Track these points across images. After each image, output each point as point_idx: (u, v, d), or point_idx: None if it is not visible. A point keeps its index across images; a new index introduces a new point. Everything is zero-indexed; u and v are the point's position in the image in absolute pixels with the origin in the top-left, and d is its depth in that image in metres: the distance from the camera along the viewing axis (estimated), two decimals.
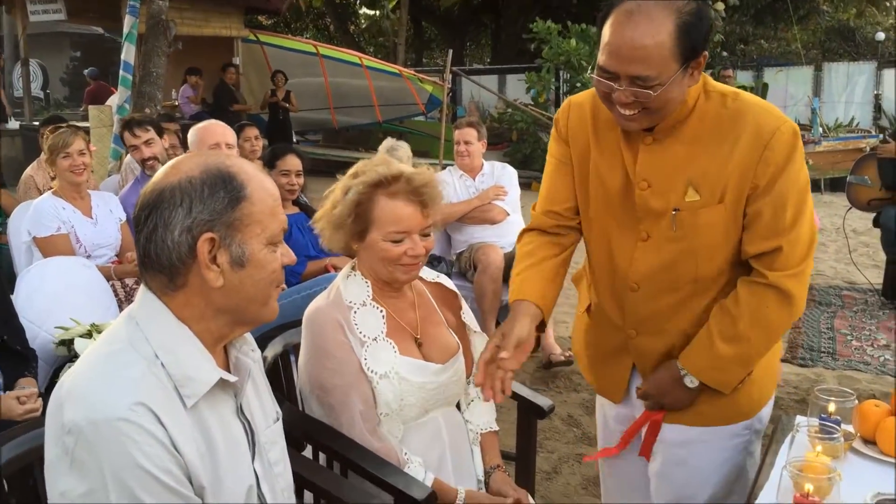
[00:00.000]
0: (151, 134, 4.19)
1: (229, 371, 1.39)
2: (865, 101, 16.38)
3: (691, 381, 1.82)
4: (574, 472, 3.45)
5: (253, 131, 5.13)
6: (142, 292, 1.33)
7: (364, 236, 1.92)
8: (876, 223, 5.97)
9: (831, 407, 1.74)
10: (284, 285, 3.70)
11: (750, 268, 1.77)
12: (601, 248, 1.92)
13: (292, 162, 4.05)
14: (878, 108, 16.03)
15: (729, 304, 1.77)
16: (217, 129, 3.55)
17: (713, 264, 1.78)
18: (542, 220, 1.98)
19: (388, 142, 5.19)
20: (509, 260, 4.84)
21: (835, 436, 1.57)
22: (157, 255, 1.27)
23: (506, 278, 4.90)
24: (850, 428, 1.77)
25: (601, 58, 1.66)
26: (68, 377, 1.27)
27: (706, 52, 1.66)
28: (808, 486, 1.40)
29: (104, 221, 3.97)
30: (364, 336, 1.91)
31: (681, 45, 1.60)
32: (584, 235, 1.98)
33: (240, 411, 1.40)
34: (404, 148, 5.12)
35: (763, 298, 1.73)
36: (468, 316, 2.16)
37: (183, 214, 1.26)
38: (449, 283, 2.15)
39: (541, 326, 1.86)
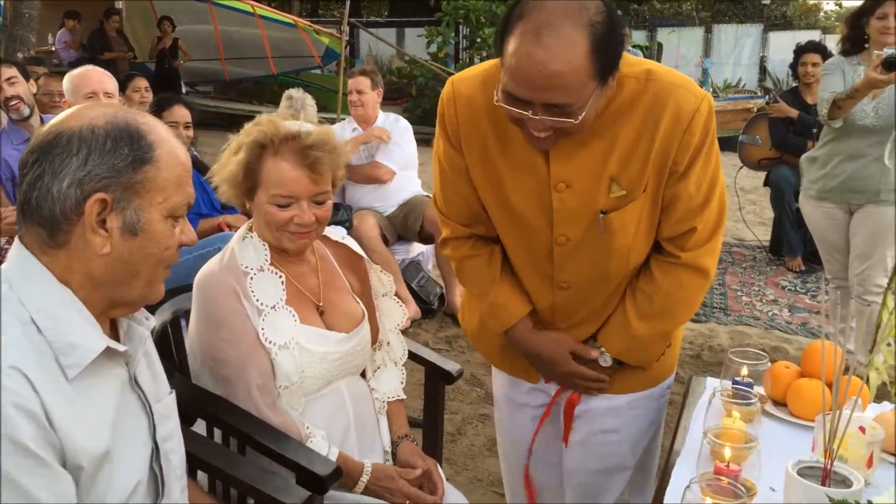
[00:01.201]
0: (14, 72, 3.82)
1: (119, 339, 1.25)
2: (752, 62, 16.94)
3: (605, 361, 1.79)
4: (478, 434, 3.41)
5: (142, 82, 4.83)
6: (16, 248, 1.18)
7: (252, 196, 1.79)
8: (767, 183, 6.15)
9: (744, 370, 1.72)
10: None
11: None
12: (518, 251, 1.78)
13: (180, 113, 3.81)
14: (763, 70, 16.61)
15: (643, 285, 1.72)
16: (94, 76, 3.27)
17: (643, 254, 1.72)
18: (454, 228, 1.82)
19: (291, 92, 4.92)
20: (396, 222, 4.75)
21: (751, 401, 1.54)
22: (39, 204, 1.14)
23: (397, 239, 4.82)
24: (762, 390, 1.77)
25: (508, 83, 1.43)
26: None
27: (620, 60, 1.49)
28: (728, 454, 1.36)
29: None
30: (261, 304, 1.77)
31: (598, 62, 1.41)
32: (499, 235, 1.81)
33: (133, 382, 1.27)
34: (308, 100, 4.88)
35: (678, 277, 1.69)
36: (375, 278, 2.03)
37: (76, 165, 1.13)
38: (354, 246, 2.02)
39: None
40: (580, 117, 1.44)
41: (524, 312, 1.80)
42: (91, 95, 3.17)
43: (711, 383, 1.90)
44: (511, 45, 1.41)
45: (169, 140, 1.21)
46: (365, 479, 1.79)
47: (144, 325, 1.32)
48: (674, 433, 1.70)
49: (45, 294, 1.15)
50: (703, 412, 1.69)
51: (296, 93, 5.00)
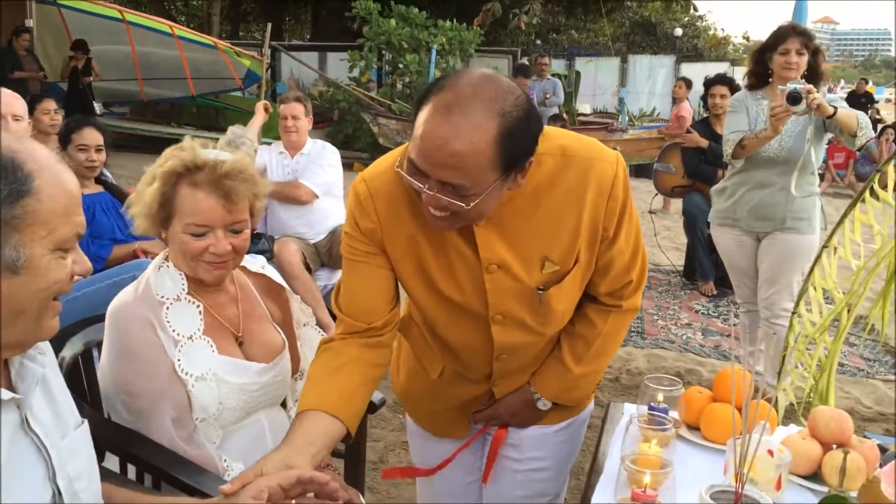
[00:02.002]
0: None
1: (10, 380, 1.18)
2: (665, 91, 17.51)
3: (544, 405, 1.82)
4: (401, 461, 3.39)
5: (51, 104, 4.64)
6: None
7: (167, 225, 1.75)
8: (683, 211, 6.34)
9: (660, 396, 1.76)
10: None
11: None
12: (453, 333, 1.73)
13: (91, 136, 3.69)
14: (675, 100, 17.17)
15: (582, 330, 1.76)
16: (2, 99, 3.15)
17: (573, 313, 1.76)
18: (356, 326, 1.66)
19: (232, 132, 4.79)
20: (321, 249, 4.71)
21: (667, 427, 1.58)
22: None
23: (320, 266, 4.78)
24: (676, 415, 1.81)
25: (412, 150, 1.41)
26: None
27: (532, 159, 1.45)
28: (646, 479, 1.39)
29: None
30: (178, 334, 1.73)
31: (504, 153, 1.37)
32: (418, 319, 1.78)
33: (26, 425, 1.19)
34: (250, 132, 4.80)
35: (617, 321, 1.79)
36: (297, 308, 2.01)
37: None
38: (275, 276, 2.00)
39: (346, 437, 1.60)
40: (473, 203, 1.40)
41: (320, 405, 1.57)
42: None
43: (629, 409, 1.94)
44: (422, 115, 1.39)
45: (50, 167, 1.14)
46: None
47: (38, 363, 1.25)
48: (593, 458, 1.73)
49: None
50: (620, 438, 1.73)
51: (237, 130, 4.89)
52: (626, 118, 13.28)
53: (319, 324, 2.08)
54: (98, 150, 3.65)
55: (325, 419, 1.55)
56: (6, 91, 3.19)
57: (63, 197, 1.14)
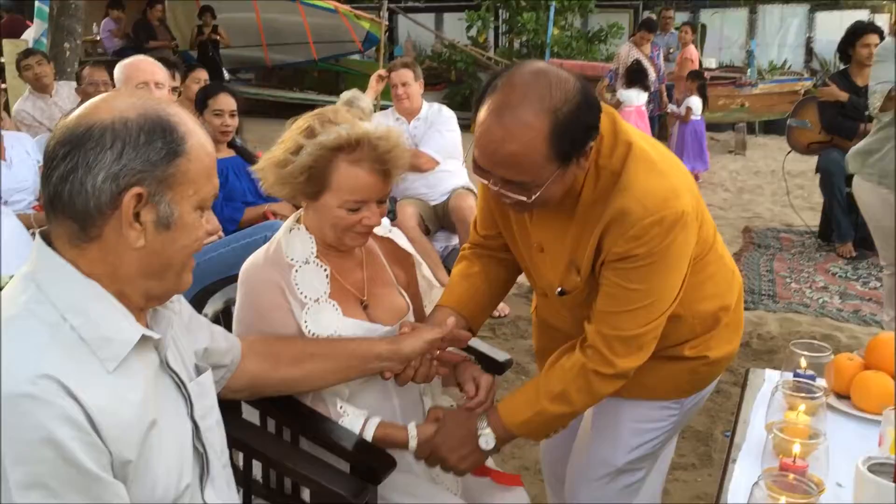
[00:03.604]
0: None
1: (147, 325, 1.25)
2: (798, 43, 16.56)
3: (486, 443, 1.72)
4: None
5: (202, 73, 4.89)
6: (37, 248, 1.17)
7: (317, 198, 1.73)
8: (818, 168, 6.01)
9: (803, 362, 1.68)
10: (222, 233, 3.50)
11: None
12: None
13: (225, 101, 3.83)
14: (809, 52, 16.24)
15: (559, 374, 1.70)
16: (145, 66, 3.28)
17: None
18: (477, 239, 1.96)
19: (349, 94, 4.88)
20: (440, 212, 4.73)
21: (817, 395, 1.50)
22: (72, 198, 1.12)
23: (440, 227, 4.81)
24: (823, 383, 1.72)
25: (474, 149, 1.51)
26: None
27: (592, 143, 1.50)
28: (795, 449, 1.32)
29: (19, 164, 3.70)
30: (305, 297, 1.75)
31: (557, 147, 1.44)
32: None
33: (166, 365, 1.26)
34: (365, 101, 4.86)
35: (599, 388, 1.68)
36: (424, 275, 2.02)
37: (111, 159, 1.11)
38: (401, 241, 2.00)
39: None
40: (535, 196, 1.48)
41: (449, 302, 1.87)
42: (142, 85, 3.20)
43: (770, 375, 1.85)
44: (480, 115, 1.47)
45: (197, 132, 1.20)
46: (413, 443, 1.75)
47: (171, 308, 1.32)
48: (733, 427, 1.66)
49: (74, 291, 1.14)
50: (762, 406, 1.66)
51: (353, 93, 4.94)
52: (756, 72, 12.62)
53: (441, 285, 2.08)
54: (232, 115, 3.77)
55: (451, 313, 1.82)
56: (149, 59, 3.33)
57: (207, 159, 1.20)
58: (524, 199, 1.49)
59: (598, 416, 1.89)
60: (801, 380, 1.60)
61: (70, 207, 1.12)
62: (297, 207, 1.88)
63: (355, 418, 1.74)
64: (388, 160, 1.70)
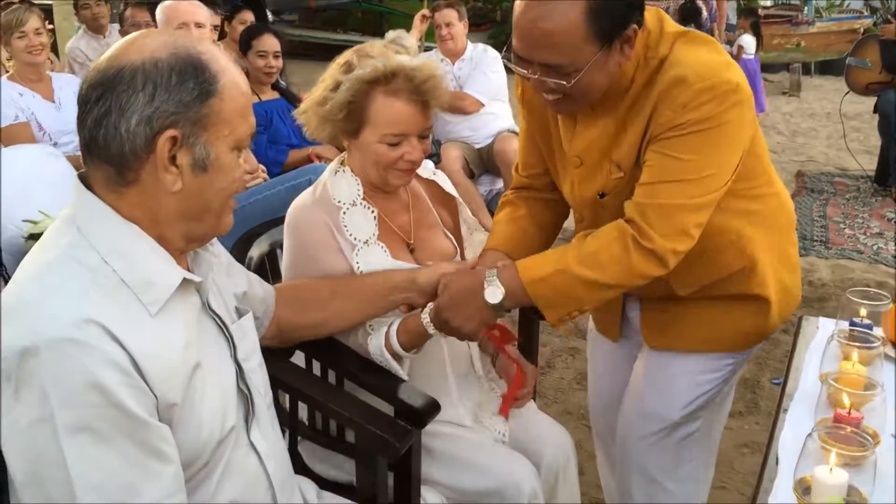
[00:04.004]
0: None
1: (187, 268, 1.25)
2: None
3: (493, 295, 1.56)
4: (568, 367, 3.39)
5: (248, 15, 4.86)
6: (77, 191, 1.15)
7: (357, 135, 1.72)
8: (876, 109, 5.81)
9: (862, 310, 1.62)
10: (266, 176, 3.49)
11: None
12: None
13: (269, 42, 3.80)
14: None
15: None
16: (185, 7, 3.26)
17: None
18: (521, 180, 1.90)
19: (393, 34, 4.79)
20: (484, 155, 4.67)
21: (874, 344, 1.46)
22: (107, 143, 1.10)
23: (484, 171, 4.75)
24: (880, 332, 1.67)
25: (512, 38, 1.47)
26: (4, 294, 1.09)
27: (636, 25, 1.45)
28: (848, 401, 1.29)
29: (68, 105, 3.71)
30: (354, 238, 1.74)
31: (597, 25, 1.40)
32: None
33: (208, 307, 1.26)
34: (410, 41, 4.77)
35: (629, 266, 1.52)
36: (467, 215, 1.99)
37: (144, 101, 1.09)
38: (445, 183, 1.97)
39: None
40: (574, 80, 1.44)
41: (497, 244, 1.79)
42: (182, 26, 3.19)
43: (824, 323, 1.80)
44: (516, 2, 1.45)
45: (230, 69, 1.17)
46: (430, 327, 1.66)
47: (211, 252, 1.32)
48: (785, 375, 1.62)
49: (115, 234, 1.13)
50: (815, 354, 1.62)
51: (397, 33, 4.85)
52: (813, 9, 12.14)
53: (483, 228, 2.06)
54: (276, 57, 3.75)
55: (501, 255, 1.74)
56: (190, 1, 3.30)
57: (241, 97, 1.17)
58: (564, 83, 1.44)
59: (650, 369, 1.83)
60: (857, 329, 1.55)
61: (106, 152, 1.11)
62: (341, 150, 1.86)
63: (380, 332, 1.71)
64: (426, 91, 1.68)
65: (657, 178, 1.50)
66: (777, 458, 1.32)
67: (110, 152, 1.10)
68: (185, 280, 1.18)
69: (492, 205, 4.65)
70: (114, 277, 1.10)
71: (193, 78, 1.11)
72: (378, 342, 1.69)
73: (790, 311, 1.81)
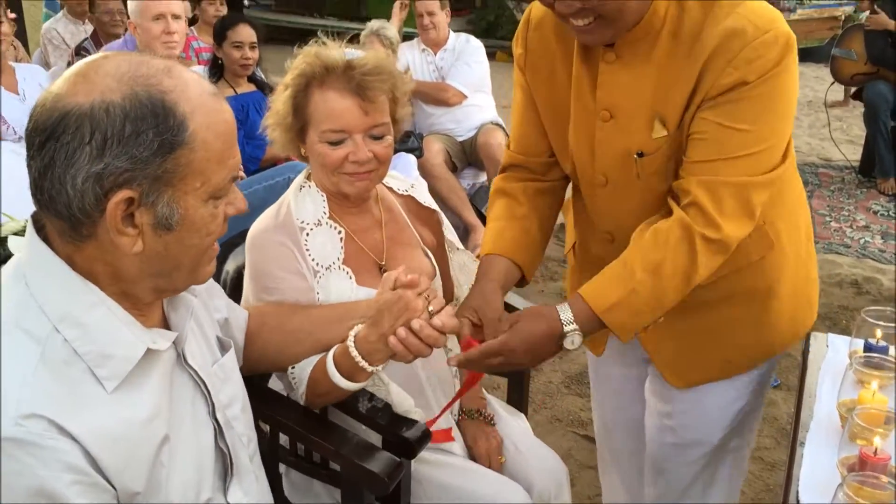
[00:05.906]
0: None
1: (163, 311, 1.11)
2: None
3: (572, 343, 1.40)
4: (556, 370, 3.30)
5: None
6: (29, 240, 1.01)
7: (304, 137, 1.61)
8: (857, 97, 5.75)
9: (878, 332, 1.54)
10: (243, 174, 3.35)
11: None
12: (576, 194, 1.66)
13: (245, 32, 3.65)
14: None
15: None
16: None
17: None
18: (514, 158, 1.69)
19: (376, 23, 4.63)
20: (467, 148, 4.55)
21: (890, 368, 1.37)
22: (52, 198, 0.95)
23: (467, 164, 4.63)
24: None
25: None
26: None
27: None
28: (877, 441, 1.20)
29: (33, 98, 3.55)
30: (317, 264, 1.61)
31: None
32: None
33: (183, 360, 1.12)
34: (392, 31, 4.62)
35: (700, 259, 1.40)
36: (449, 231, 1.86)
37: (92, 156, 0.92)
38: (423, 197, 1.84)
39: (521, 282, 1.62)
40: None
41: (500, 249, 1.58)
42: (158, 17, 3.04)
43: (834, 341, 1.71)
44: None
45: (204, 106, 0.99)
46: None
47: (191, 291, 1.16)
48: (797, 401, 1.54)
49: (68, 296, 0.98)
50: (828, 378, 1.53)
51: (379, 23, 4.66)
52: None
53: (465, 224, 1.93)
54: (252, 48, 3.61)
55: (506, 264, 1.58)
56: None
57: (218, 142, 1.00)
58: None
59: (679, 406, 1.72)
60: (872, 354, 1.46)
61: (54, 206, 0.96)
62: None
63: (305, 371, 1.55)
64: (367, 84, 1.55)
65: (717, 155, 1.36)
66: (798, 499, 1.23)
67: (58, 208, 0.95)
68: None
69: (475, 199, 4.54)
70: (65, 349, 0.96)
71: (153, 127, 0.94)
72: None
73: (805, 313, 1.69)
